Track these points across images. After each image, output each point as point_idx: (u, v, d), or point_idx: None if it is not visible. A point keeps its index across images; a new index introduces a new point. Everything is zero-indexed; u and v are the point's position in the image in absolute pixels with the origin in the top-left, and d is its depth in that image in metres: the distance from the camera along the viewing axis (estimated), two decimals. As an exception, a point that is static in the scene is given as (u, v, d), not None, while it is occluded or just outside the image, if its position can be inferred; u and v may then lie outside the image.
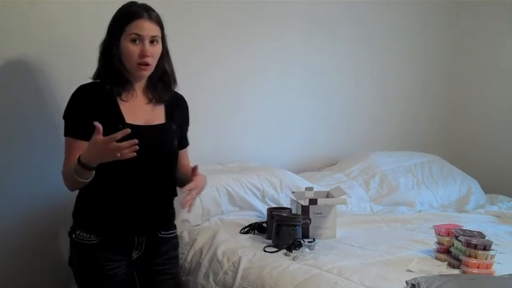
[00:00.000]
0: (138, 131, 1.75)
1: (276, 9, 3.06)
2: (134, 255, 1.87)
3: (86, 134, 1.70)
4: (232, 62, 2.93)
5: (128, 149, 1.58)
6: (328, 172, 3.17)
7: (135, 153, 1.59)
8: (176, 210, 1.99)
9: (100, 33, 2.36)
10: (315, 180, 2.89)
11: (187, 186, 1.78)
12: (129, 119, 1.79)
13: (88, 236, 1.81)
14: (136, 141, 1.57)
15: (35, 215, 2.31)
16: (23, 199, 2.29)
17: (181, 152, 2.00)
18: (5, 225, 2.26)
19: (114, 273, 1.82)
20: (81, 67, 2.33)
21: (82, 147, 1.71)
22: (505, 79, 3.62)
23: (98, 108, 1.77)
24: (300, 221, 2.20)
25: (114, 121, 1.76)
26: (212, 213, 2.46)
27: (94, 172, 1.69)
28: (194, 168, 1.82)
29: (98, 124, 1.60)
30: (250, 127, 3.05)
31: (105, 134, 1.66)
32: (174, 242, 2.01)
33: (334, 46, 3.35)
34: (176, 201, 1.96)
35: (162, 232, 1.94)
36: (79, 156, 1.66)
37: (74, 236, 1.83)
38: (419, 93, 3.77)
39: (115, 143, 1.57)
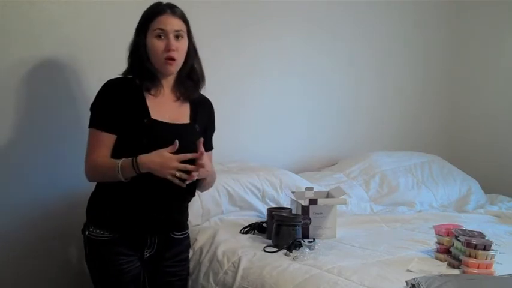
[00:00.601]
0: (162, 127, 1.79)
1: (276, 9, 3.06)
2: (146, 253, 1.88)
3: (111, 127, 1.76)
4: (232, 62, 2.93)
5: (186, 175, 1.65)
6: (328, 172, 3.17)
7: (184, 184, 1.67)
8: None
9: (101, 32, 2.38)
10: (315, 180, 2.89)
11: (188, 154, 1.70)
12: (154, 115, 1.81)
13: (101, 232, 1.82)
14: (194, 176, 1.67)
15: (34, 218, 2.31)
16: (23, 200, 2.29)
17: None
18: (6, 228, 2.26)
19: (126, 268, 1.82)
20: (83, 67, 2.35)
21: (108, 140, 1.76)
22: (505, 79, 3.62)
23: (125, 102, 1.79)
24: (300, 221, 2.20)
25: (140, 116, 1.78)
26: (212, 213, 2.46)
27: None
28: (198, 142, 1.74)
29: (176, 142, 1.67)
30: (250, 127, 3.05)
31: (129, 128, 1.74)
32: (186, 243, 2.02)
33: (334, 46, 3.35)
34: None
35: (176, 233, 1.95)
36: (136, 157, 1.69)
37: (87, 232, 1.85)
38: (419, 93, 3.77)
39: (180, 163, 1.65)
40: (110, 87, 1.82)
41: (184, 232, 1.99)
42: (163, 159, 1.67)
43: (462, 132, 3.86)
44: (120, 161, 1.71)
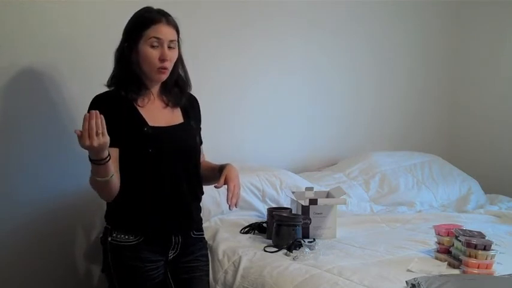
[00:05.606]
0: (162, 132, 1.81)
1: (276, 9, 3.06)
2: (170, 255, 1.88)
3: (113, 140, 1.67)
4: (233, 62, 2.93)
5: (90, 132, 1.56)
6: (328, 172, 3.17)
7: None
8: None
9: (101, 32, 2.38)
10: (315, 180, 2.89)
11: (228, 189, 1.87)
12: (151, 122, 1.81)
13: (126, 237, 1.80)
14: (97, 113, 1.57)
15: (34, 219, 2.30)
16: (24, 200, 2.28)
17: None
18: (8, 229, 2.25)
19: (153, 274, 1.83)
20: (83, 66, 2.35)
21: (113, 154, 1.71)
22: (505, 79, 3.62)
23: (119, 115, 1.77)
24: (300, 221, 2.20)
25: (137, 125, 1.79)
26: (212, 213, 2.46)
27: (109, 168, 1.67)
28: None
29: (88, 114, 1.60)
30: (250, 127, 3.04)
31: (129, 138, 1.75)
32: (204, 242, 2.03)
33: (334, 46, 3.35)
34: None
35: (195, 232, 1.96)
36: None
37: (110, 239, 1.82)
38: (419, 93, 3.77)
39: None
40: (99, 102, 1.79)
41: (201, 233, 2.00)
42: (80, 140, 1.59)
43: (462, 132, 3.86)
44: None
